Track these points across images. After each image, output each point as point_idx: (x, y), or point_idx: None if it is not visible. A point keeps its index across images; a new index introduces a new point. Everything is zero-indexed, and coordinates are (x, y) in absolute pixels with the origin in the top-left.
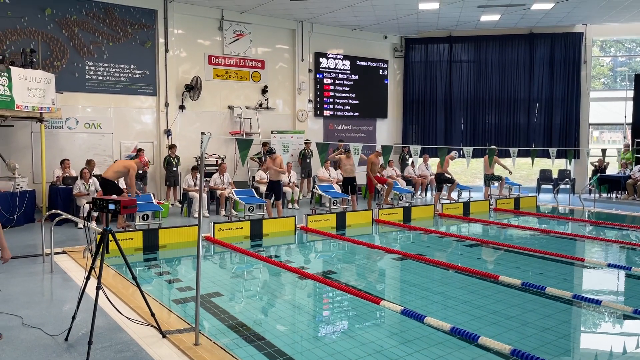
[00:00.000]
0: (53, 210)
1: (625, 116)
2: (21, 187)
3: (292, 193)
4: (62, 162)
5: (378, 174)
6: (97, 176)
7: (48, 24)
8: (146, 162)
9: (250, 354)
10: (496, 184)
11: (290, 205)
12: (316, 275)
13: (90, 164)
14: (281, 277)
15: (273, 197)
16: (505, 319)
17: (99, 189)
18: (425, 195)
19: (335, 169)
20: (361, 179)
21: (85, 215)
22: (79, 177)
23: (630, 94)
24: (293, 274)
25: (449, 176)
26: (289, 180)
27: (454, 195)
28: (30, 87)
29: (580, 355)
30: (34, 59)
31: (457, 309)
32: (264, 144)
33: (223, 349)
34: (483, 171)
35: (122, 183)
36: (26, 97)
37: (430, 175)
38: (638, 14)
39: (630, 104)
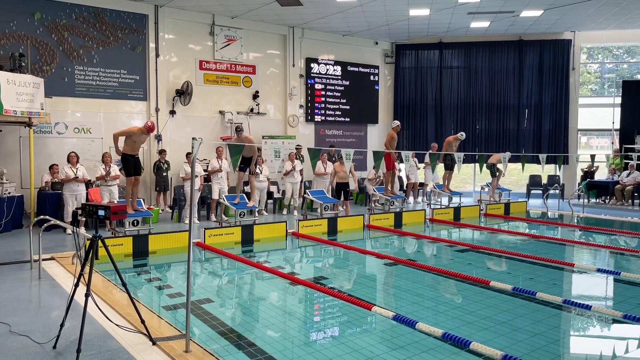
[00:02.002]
0: (41, 216)
1: (613, 122)
2: (9, 193)
3: (286, 199)
4: (51, 167)
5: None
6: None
7: (37, 28)
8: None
9: None
10: (487, 187)
11: (286, 212)
12: (307, 281)
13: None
14: (272, 283)
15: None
16: (496, 325)
17: (87, 176)
18: (416, 198)
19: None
20: (353, 185)
21: (71, 219)
22: (66, 162)
23: (618, 100)
24: (284, 280)
25: (449, 158)
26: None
27: (445, 200)
28: (19, 91)
29: None
30: (23, 63)
31: (449, 314)
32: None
33: (214, 355)
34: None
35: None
36: (15, 101)
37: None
38: (625, 22)
39: (618, 110)
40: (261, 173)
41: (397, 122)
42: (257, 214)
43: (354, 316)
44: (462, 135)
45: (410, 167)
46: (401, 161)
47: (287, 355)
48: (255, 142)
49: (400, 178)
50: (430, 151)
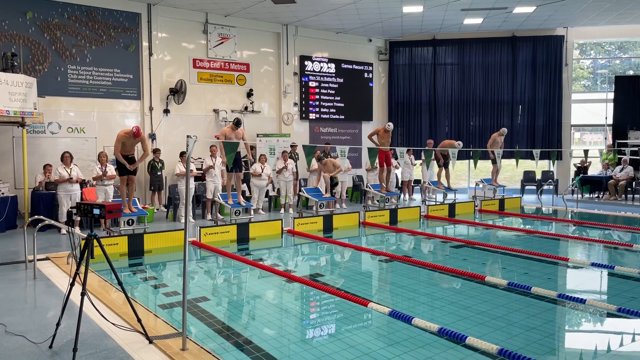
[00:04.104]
0: (36, 216)
1: (606, 117)
2: (2, 193)
3: (279, 197)
4: (45, 167)
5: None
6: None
7: (29, 27)
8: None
9: (237, 359)
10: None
11: (283, 210)
12: (303, 278)
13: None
14: (268, 280)
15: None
16: (491, 319)
17: (81, 175)
18: (411, 195)
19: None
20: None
21: (65, 219)
22: (60, 162)
23: (611, 95)
24: (280, 278)
25: (444, 155)
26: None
27: (440, 197)
28: (12, 91)
29: (566, 354)
30: (15, 63)
31: (444, 309)
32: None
33: (210, 353)
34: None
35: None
36: (7, 101)
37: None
38: (617, 17)
39: (611, 105)
40: (262, 172)
41: (387, 124)
42: (252, 212)
43: (350, 312)
44: (459, 144)
45: (404, 164)
46: (396, 158)
47: (284, 352)
48: (247, 137)
49: (396, 175)
50: (427, 147)
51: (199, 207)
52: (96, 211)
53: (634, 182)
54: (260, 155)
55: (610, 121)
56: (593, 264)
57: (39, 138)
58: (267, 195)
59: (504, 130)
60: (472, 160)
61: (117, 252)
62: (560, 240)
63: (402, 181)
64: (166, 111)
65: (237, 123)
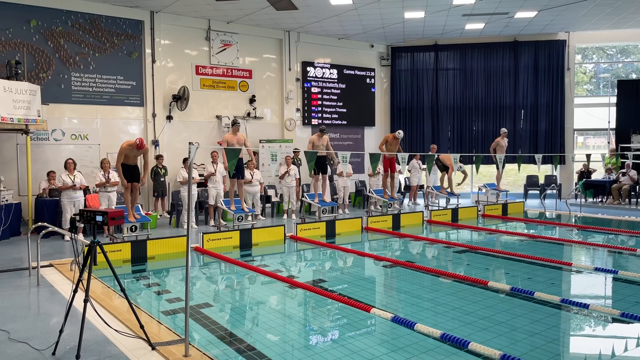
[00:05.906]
0: (39, 223)
1: (609, 122)
2: (6, 200)
3: (282, 203)
4: (49, 174)
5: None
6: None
7: (33, 35)
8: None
9: None
10: (485, 188)
11: (285, 216)
12: (306, 284)
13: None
14: (271, 286)
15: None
16: (494, 325)
17: (84, 182)
18: (415, 201)
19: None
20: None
21: (69, 226)
22: (63, 169)
23: (613, 99)
24: (283, 284)
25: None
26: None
27: (443, 202)
28: (16, 98)
29: (569, 359)
30: (19, 71)
31: (447, 315)
32: (234, 122)
33: (213, 359)
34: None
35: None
36: (11, 109)
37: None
38: (618, 22)
39: (614, 109)
40: (252, 177)
41: (398, 132)
42: (252, 218)
43: (353, 318)
44: (461, 166)
45: (413, 169)
46: (398, 163)
47: (287, 359)
48: (248, 143)
49: (399, 180)
50: (430, 152)
51: (201, 214)
52: (99, 218)
53: (637, 187)
54: (248, 161)
55: (613, 125)
56: (597, 269)
57: (42, 145)
58: (269, 201)
59: (505, 130)
60: (474, 165)
61: (120, 259)
62: (563, 244)
63: (409, 186)
64: (169, 118)
65: (233, 123)
